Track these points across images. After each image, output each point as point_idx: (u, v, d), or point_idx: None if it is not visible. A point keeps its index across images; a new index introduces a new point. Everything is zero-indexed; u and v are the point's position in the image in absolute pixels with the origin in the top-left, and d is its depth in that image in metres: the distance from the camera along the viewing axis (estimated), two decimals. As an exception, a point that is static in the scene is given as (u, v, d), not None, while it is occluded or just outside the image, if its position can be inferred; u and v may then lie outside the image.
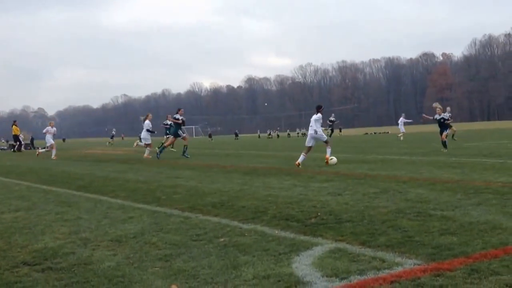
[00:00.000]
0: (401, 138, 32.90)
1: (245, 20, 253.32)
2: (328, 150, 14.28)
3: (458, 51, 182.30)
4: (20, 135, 39.37)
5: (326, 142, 14.44)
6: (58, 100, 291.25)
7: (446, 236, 4.97)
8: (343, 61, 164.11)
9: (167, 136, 26.58)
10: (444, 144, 17.74)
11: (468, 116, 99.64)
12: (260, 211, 6.86)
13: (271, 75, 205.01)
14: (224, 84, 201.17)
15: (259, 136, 79.18)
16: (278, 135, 77.68)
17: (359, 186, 9.11)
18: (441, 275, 3.78)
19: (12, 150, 36.97)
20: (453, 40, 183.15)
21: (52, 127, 24.92)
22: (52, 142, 24.72)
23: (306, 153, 14.18)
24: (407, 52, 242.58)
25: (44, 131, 25.03)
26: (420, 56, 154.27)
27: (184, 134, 21.09)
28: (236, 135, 73.97)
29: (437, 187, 8.59)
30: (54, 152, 24.50)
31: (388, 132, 62.19)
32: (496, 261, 4.06)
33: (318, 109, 14.47)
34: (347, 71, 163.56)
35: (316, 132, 14.18)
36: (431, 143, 25.16)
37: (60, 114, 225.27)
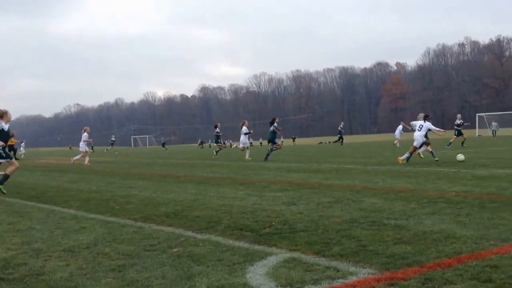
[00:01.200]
0: (398, 144, 33.69)
1: (199, 29, 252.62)
2: (406, 155, 16.69)
3: (412, 61, 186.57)
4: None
5: (416, 148, 16.95)
6: (10, 109, 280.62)
7: (400, 245, 4.99)
8: (297, 71, 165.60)
9: (218, 143, 29.09)
10: (432, 153, 17.39)
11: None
12: (214, 221, 6.78)
13: (225, 84, 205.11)
14: (178, 93, 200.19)
15: (199, 145, 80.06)
16: (209, 145, 77.93)
17: (314, 195, 9.11)
18: (395, 284, 3.77)
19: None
20: (407, 49, 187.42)
21: (87, 133, 24.95)
22: (87, 149, 24.90)
23: (412, 152, 16.83)
24: (362, 61, 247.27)
25: (84, 138, 24.79)
26: (374, 66, 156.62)
27: (279, 141, 22.87)
28: (163, 144, 75.85)
29: (391, 196, 8.68)
30: (87, 159, 24.66)
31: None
32: (450, 270, 4.08)
33: (428, 118, 17.40)
34: (302, 81, 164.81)
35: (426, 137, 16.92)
36: (385, 152, 25.60)
37: (11, 124, 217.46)
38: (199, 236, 5.85)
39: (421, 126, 16.95)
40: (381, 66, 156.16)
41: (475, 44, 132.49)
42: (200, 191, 10.46)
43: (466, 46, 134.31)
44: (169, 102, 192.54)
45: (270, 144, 22.73)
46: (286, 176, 13.52)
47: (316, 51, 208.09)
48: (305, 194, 9.35)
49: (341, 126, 44.29)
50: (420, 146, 17.12)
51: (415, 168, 14.74)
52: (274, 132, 22.48)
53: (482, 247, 4.79)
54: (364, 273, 4.11)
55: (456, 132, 28.54)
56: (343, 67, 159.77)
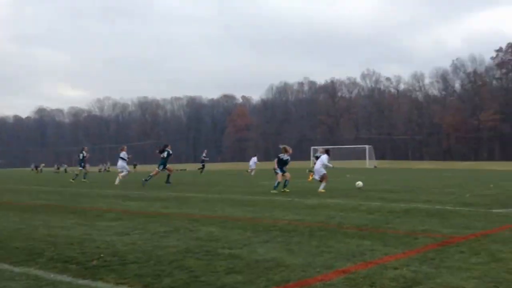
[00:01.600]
0: (252, 173, 36.12)
1: (40, 49, 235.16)
2: (323, 185, 17.12)
3: (256, 95, 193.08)
4: None
5: (323, 177, 17.46)
6: None
7: (232, 275, 4.95)
8: (144, 97, 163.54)
9: (81, 168, 29.38)
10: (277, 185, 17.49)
11: (264, 156, 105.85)
12: (36, 252, 6.19)
13: (65, 107, 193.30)
14: (11, 114, 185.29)
15: (32, 169, 76.25)
16: (41, 170, 74.61)
17: (150, 224, 8.80)
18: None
19: None
20: (252, 84, 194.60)
21: None
22: None
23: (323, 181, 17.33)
24: (209, 92, 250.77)
25: None
26: (221, 97, 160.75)
27: (168, 166, 23.18)
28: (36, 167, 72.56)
29: (229, 225, 8.70)
30: None
31: (185, 169, 62.95)
32: (277, 299, 4.09)
33: (328, 152, 18.77)
34: (148, 107, 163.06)
35: (326, 167, 17.86)
36: (227, 181, 25.99)
37: None
38: (16, 269, 5.30)
39: (318, 158, 18.53)
40: (228, 98, 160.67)
41: (312, 83, 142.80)
42: (24, 220, 9.59)
43: (304, 85, 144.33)
44: (0, 123, 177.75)
45: (160, 167, 23.09)
46: (123, 204, 12.97)
47: (165, 80, 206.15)
48: (141, 223, 9.00)
49: (204, 154, 44.62)
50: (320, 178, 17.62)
51: (254, 197, 15.11)
52: (164, 158, 23.04)
53: (308, 275, 4.92)
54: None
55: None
56: (191, 97, 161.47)
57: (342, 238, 7.11)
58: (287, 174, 17.56)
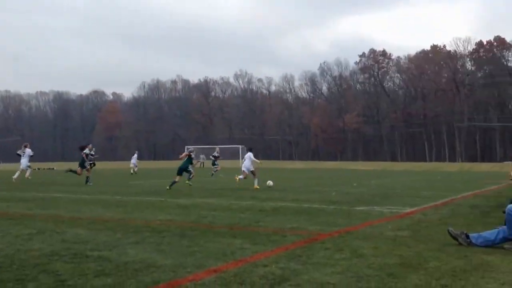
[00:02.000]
0: (134, 171, 37.27)
1: None
2: (256, 181, 18.88)
3: (128, 92, 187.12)
4: None
5: (253, 173, 19.13)
6: None
7: (101, 278, 4.85)
8: (6, 91, 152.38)
9: None
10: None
11: (138, 155, 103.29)
12: None
13: None
14: None
15: None
16: None
17: (12, 227, 8.30)
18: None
19: None
20: (124, 80, 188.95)
21: None
22: None
23: (254, 176, 19.02)
24: (78, 88, 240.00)
25: None
26: (91, 93, 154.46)
27: (88, 167, 23.00)
28: None
29: (98, 226, 8.46)
30: None
31: (53, 168, 59.69)
32: (147, 300, 4.09)
33: (250, 150, 20.59)
34: (11, 102, 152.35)
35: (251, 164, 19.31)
36: (97, 181, 25.14)
37: None
38: None
39: (245, 158, 19.86)
40: (98, 94, 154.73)
41: (186, 82, 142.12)
42: None
43: (178, 83, 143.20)
44: None
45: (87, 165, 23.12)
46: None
47: (29, 73, 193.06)
48: (3, 225, 8.46)
49: (93, 151, 42.96)
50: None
51: (125, 197, 14.81)
52: (83, 158, 22.97)
53: (179, 275, 4.96)
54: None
55: (215, 162, 32.83)
56: (58, 92, 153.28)
57: (213, 238, 7.25)
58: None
